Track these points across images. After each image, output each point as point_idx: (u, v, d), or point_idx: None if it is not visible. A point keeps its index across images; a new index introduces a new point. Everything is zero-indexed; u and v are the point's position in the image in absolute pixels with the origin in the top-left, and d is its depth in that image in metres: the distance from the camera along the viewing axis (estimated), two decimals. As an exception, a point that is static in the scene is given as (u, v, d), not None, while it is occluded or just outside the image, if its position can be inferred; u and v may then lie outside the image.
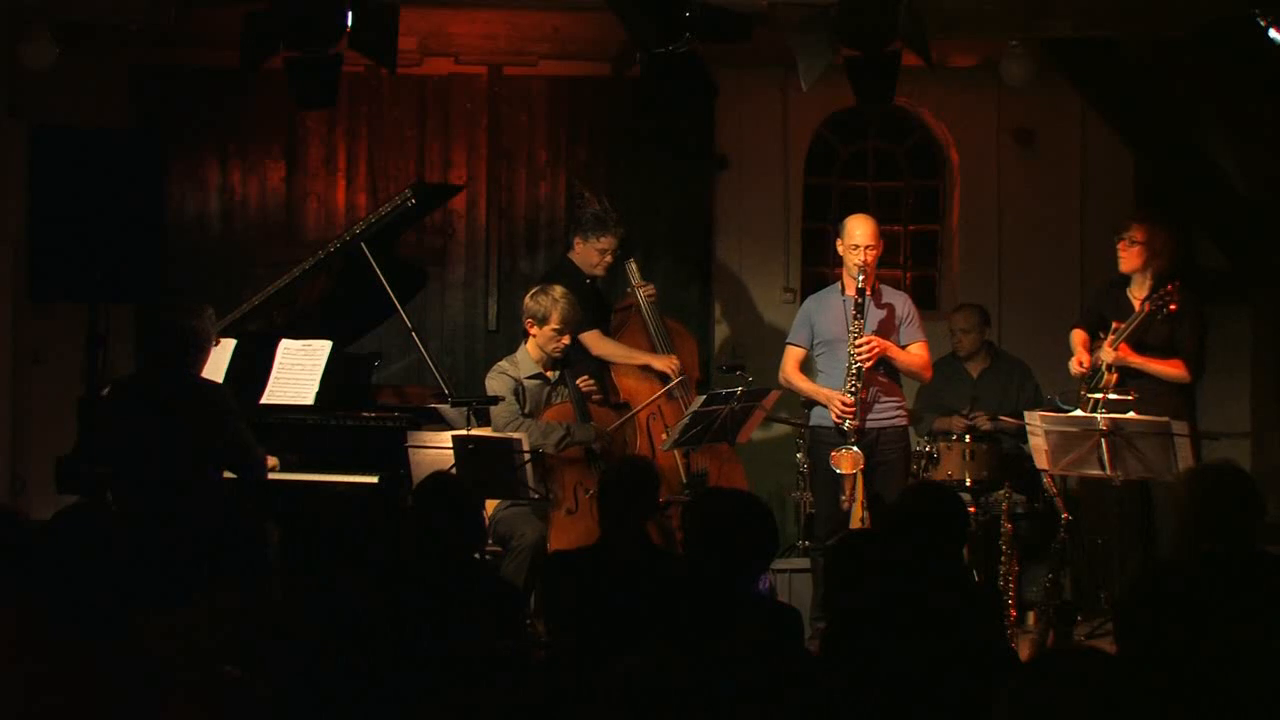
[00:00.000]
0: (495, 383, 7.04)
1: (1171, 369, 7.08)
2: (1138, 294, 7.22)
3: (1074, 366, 7.22)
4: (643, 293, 7.78)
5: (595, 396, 7.22)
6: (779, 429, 8.47)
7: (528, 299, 7.12)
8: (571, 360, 7.19)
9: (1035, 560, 7.43)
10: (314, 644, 3.89)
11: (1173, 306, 6.83)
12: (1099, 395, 6.87)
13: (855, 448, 6.87)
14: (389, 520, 4.85)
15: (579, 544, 5.97)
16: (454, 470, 6.14)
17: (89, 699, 3.45)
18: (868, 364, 6.90)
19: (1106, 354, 6.99)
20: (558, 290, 7.08)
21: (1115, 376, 6.97)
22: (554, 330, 7.00)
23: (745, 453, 7.59)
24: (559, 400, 7.09)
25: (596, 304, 7.74)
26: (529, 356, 7.11)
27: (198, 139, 8.87)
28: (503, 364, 7.15)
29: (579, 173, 8.69)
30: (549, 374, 7.11)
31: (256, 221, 8.96)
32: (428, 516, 4.79)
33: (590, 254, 7.67)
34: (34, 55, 7.85)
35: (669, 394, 7.48)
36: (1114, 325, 7.06)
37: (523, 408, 6.99)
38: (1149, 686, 3.08)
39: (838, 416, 6.92)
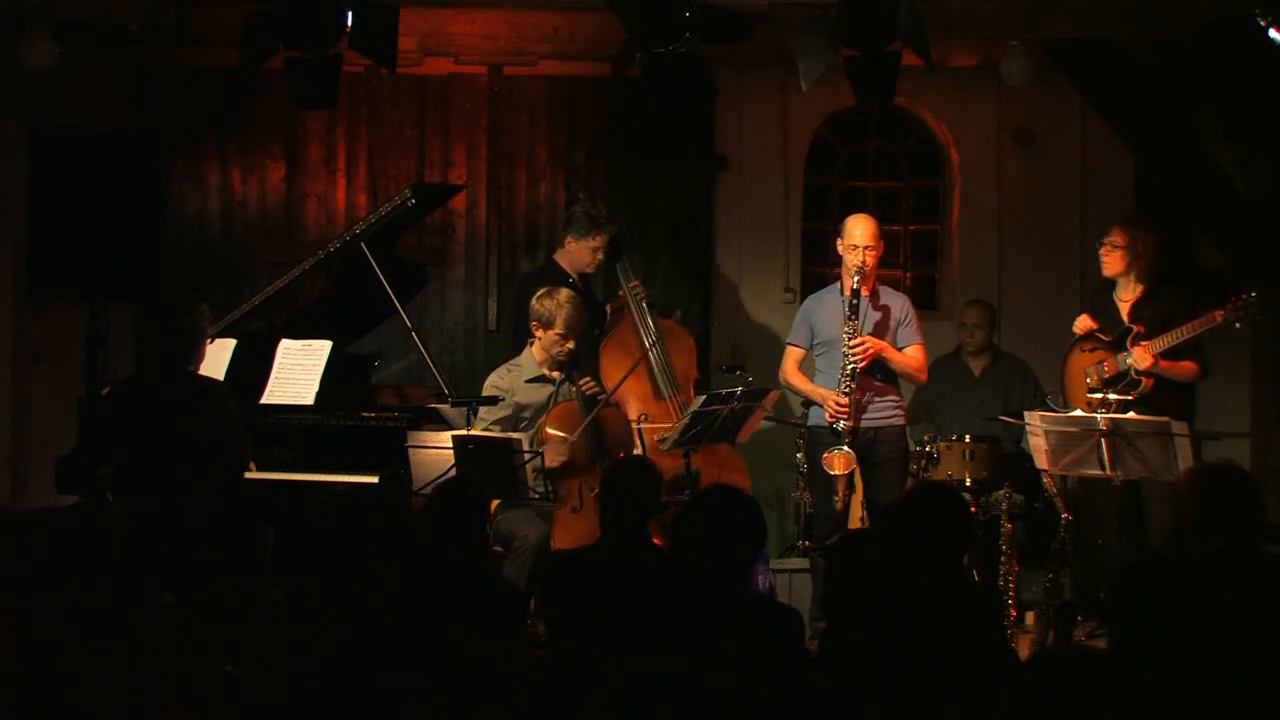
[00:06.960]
0: (490, 391, 7.03)
1: (1189, 369, 7.09)
2: (1125, 298, 7.27)
3: (1079, 324, 7.24)
4: (632, 290, 7.79)
5: (601, 397, 7.16)
6: (779, 429, 8.47)
7: (534, 301, 7.07)
8: (580, 362, 7.17)
9: (1035, 560, 7.43)
10: (314, 644, 3.88)
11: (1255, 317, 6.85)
12: (1128, 397, 6.84)
13: (848, 448, 6.87)
14: (389, 520, 4.85)
15: (583, 542, 5.96)
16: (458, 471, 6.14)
17: (89, 699, 3.44)
18: (862, 365, 6.89)
19: (1140, 359, 6.97)
20: (564, 294, 7.05)
21: (1152, 381, 6.98)
22: (558, 335, 6.96)
23: (745, 452, 7.59)
24: (562, 400, 7.04)
25: (589, 305, 7.73)
26: (533, 358, 7.08)
27: (198, 139, 8.87)
28: (501, 370, 7.12)
29: (578, 176, 8.68)
30: (554, 375, 7.08)
31: (256, 221, 8.95)
32: (444, 520, 4.79)
33: (583, 253, 7.68)
34: (34, 55, 7.86)
35: (657, 394, 7.48)
36: (1134, 330, 7.03)
37: (519, 412, 6.97)
38: (1147, 687, 3.08)
39: (831, 417, 6.91)
